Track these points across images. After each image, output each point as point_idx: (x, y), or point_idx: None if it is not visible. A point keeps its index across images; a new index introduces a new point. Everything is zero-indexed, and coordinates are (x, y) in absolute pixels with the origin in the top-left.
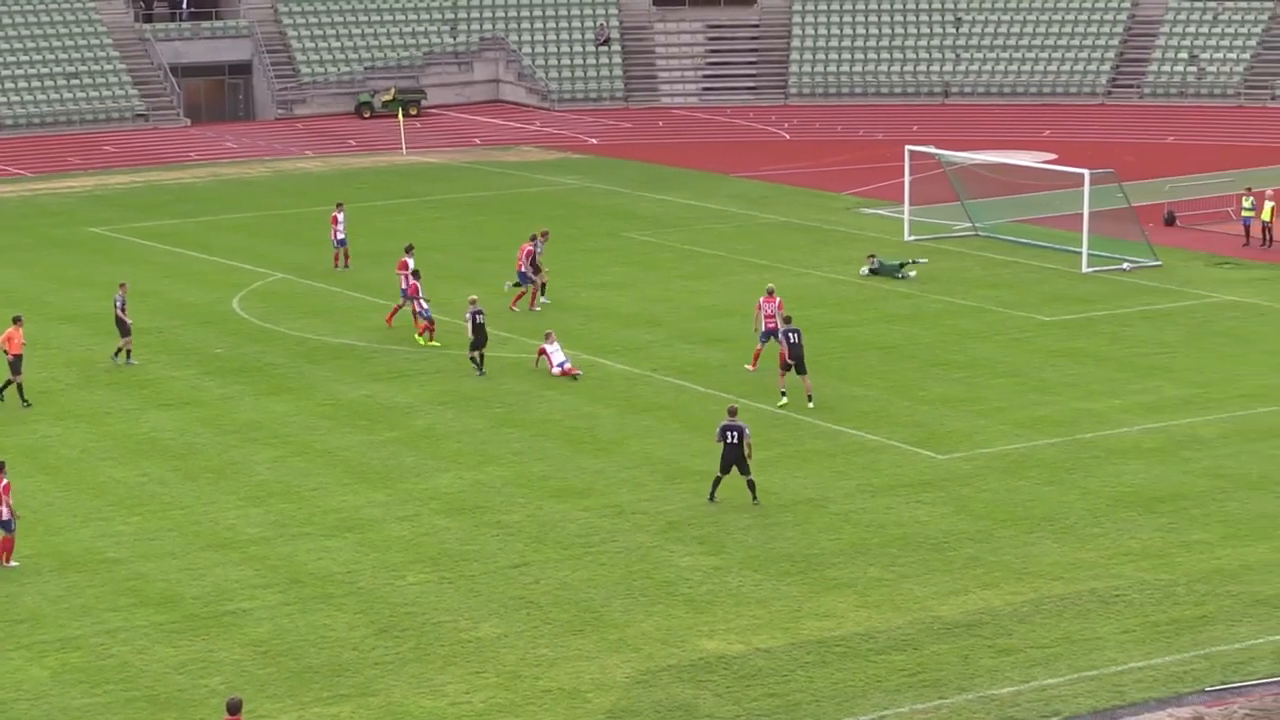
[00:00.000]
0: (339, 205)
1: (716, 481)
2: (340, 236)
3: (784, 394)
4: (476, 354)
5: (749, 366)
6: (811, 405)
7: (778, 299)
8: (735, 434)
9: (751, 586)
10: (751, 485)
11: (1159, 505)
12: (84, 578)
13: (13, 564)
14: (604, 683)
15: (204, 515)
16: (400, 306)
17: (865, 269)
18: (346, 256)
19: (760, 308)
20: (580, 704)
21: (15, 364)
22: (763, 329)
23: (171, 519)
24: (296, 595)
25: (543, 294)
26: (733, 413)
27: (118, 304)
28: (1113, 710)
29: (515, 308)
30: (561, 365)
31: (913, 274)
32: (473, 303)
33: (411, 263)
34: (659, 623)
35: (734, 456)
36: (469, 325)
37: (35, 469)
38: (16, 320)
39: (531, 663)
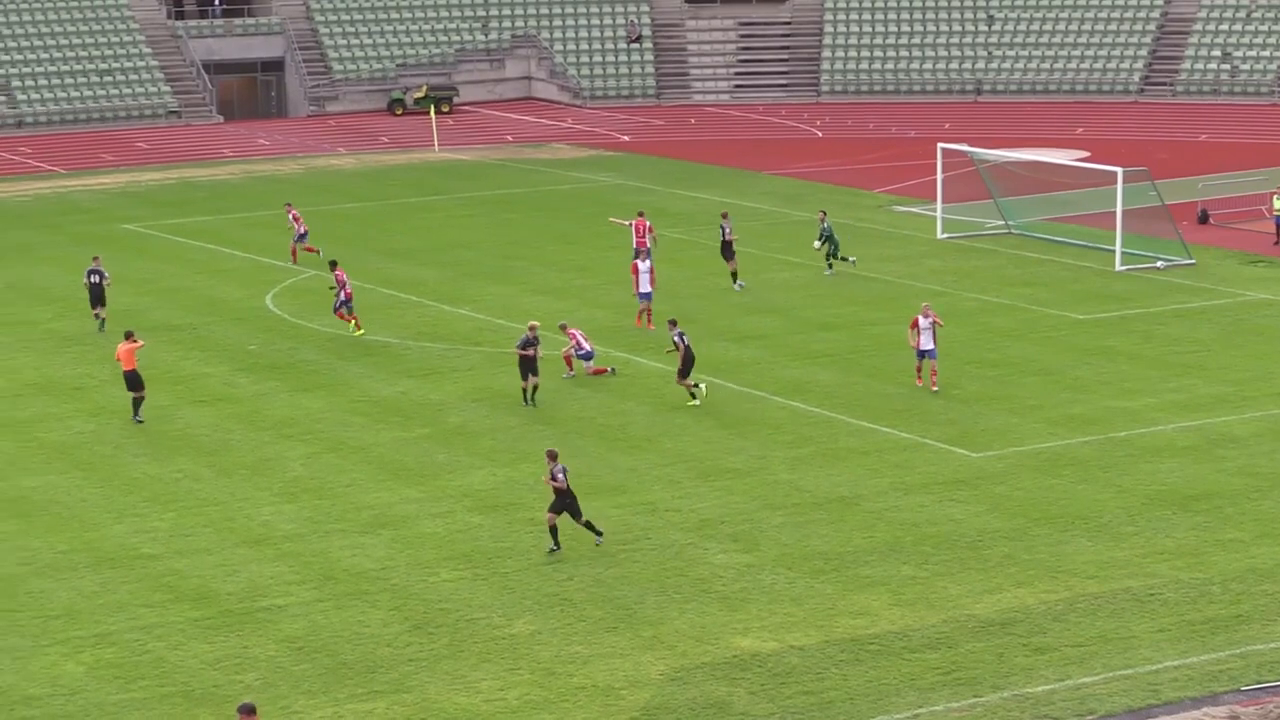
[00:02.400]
0: (288, 205)
1: (556, 530)
2: (302, 231)
3: (694, 391)
4: (527, 385)
5: (918, 382)
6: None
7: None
8: (565, 474)
9: (785, 584)
10: (591, 525)
11: (1194, 504)
12: (119, 574)
13: None
14: (638, 680)
15: (238, 511)
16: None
17: (816, 243)
18: (303, 251)
19: (917, 325)
20: (614, 701)
21: (130, 379)
22: (921, 346)
23: (206, 515)
24: (330, 592)
25: (735, 279)
26: (555, 455)
27: (99, 276)
28: (1148, 709)
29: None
30: (587, 364)
31: (852, 258)
32: (531, 329)
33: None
34: (693, 620)
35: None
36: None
37: (70, 465)
38: (129, 335)
39: (566, 660)
